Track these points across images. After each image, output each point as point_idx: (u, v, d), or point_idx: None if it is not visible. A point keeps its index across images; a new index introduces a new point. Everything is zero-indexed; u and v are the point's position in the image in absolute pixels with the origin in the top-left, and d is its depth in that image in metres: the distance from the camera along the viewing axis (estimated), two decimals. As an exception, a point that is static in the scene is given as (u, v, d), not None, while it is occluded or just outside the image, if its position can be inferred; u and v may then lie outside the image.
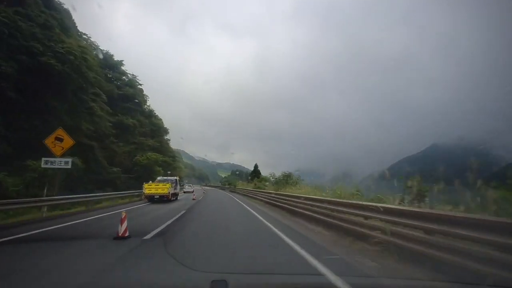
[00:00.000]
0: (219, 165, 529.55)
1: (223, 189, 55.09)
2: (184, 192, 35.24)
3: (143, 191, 16.40)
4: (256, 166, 47.38)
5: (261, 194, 17.70)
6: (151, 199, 16.63)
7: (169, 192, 16.48)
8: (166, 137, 61.72)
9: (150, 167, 35.11)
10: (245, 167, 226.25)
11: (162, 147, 46.65)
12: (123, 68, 45.80)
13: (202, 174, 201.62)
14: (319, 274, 3.61)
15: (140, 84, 48.82)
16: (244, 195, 26.87)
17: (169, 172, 35.18)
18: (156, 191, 16.38)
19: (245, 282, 2.99)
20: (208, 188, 71.86)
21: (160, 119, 56.50)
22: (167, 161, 43.11)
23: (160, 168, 38.16)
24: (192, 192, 37.07)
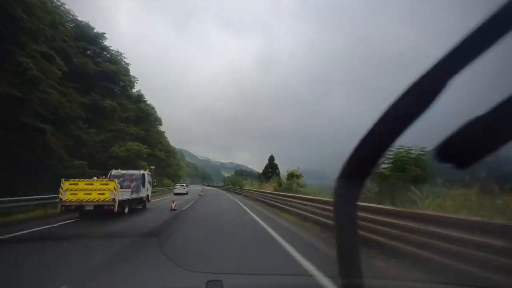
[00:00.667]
0: (222, 165, 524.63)
1: (226, 190, 46.48)
2: (175, 194, 26.93)
3: (59, 195, 8.00)
4: (272, 159, 38.69)
5: (300, 204, 9.16)
6: (83, 212, 8.30)
7: (113, 198, 8.08)
8: (160, 128, 54.06)
9: (132, 161, 27.00)
10: (249, 167, 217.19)
11: (150, 138, 38.30)
12: (105, 43, 37.50)
13: (205, 173, 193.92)
14: (313, 275, 3.65)
15: (127, 64, 40.39)
16: (258, 200, 18.34)
17: (152, 167, 26.84)
18: (88, 197, 8.01)
19: (240, 283, 2.92)
20: (209, 188, 62.77)
21: (153, 108, 48.83)
22: (156, 155, 34.65)
23: (146, 163, 29.96)
24: (186, 193, 28.77)
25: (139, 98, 42.03)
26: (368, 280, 2.74)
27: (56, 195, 8.73)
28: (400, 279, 3.48)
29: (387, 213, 4.34)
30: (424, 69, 0.47)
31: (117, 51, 39.01)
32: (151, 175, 13.91)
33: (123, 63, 39.00)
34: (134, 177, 10.63)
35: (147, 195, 12.00)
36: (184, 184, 34.49)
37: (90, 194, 8.06)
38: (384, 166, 4.98)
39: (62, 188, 7.97)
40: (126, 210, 9.28)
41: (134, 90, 43.60)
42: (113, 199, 8.09)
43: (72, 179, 8.24)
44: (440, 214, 3.56)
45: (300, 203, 9.27)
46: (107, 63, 34.63)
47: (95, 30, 35.93)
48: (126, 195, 9.20)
